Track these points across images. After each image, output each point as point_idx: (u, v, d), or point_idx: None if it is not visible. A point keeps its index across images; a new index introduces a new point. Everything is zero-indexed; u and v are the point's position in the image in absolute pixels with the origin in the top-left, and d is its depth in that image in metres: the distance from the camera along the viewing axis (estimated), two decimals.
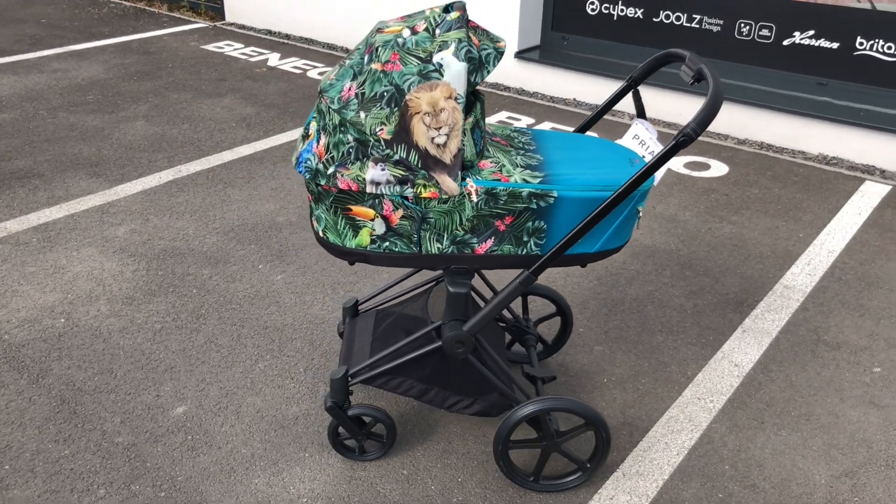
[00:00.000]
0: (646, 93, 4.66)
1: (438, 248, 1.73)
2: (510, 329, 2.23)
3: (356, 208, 1.69)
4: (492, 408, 1.95)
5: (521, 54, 5.09)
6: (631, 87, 2.01)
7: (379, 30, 1.65)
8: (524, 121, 4.58)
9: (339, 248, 1.76)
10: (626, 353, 2.50)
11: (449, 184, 1.62)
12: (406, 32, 1.62)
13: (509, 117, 4.64)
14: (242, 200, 3.49)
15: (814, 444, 2.13)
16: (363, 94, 1.60)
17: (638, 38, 4.87)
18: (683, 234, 3.28)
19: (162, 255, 3.02)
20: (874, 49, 4.09)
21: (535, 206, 1.68)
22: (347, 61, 1.66)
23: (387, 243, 1.73)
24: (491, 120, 4.58)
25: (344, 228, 1.73)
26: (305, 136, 1.72)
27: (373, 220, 1.70)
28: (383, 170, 1.62)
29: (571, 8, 5.07)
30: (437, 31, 1.62)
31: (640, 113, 2.00)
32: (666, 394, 2.31)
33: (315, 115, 1.70)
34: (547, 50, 5.21)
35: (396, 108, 1.59)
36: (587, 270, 2.98)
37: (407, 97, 1.58)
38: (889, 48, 4.05)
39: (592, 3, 4.97)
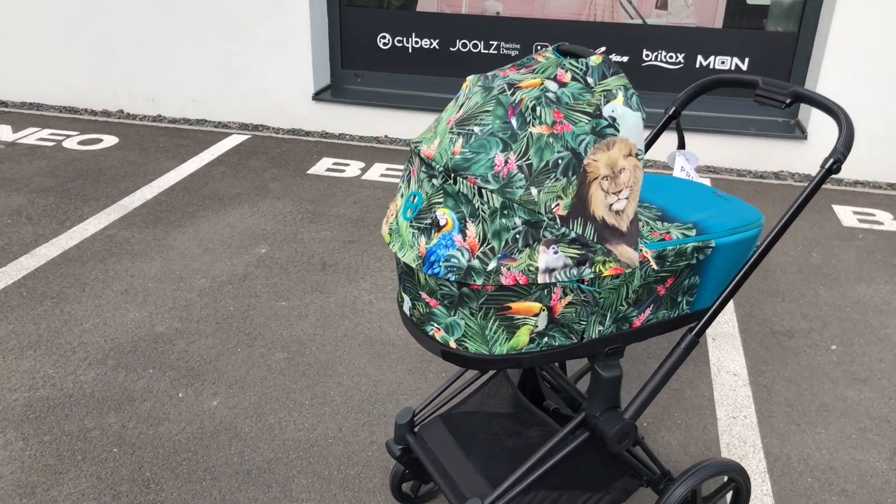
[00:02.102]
0: None
1: (599, 331, 1.46)
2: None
3: (518, 305, 1.36)
4: (624, 493, 1.72)
5: (318, 95, 4.76)
6: (674, 117, 1.91)
7: (510, 87, 1.33)
8: (354, 165, 4.28)
9: (481, 358, 1.40)
10: (637, 387, 2.40)
11: (628, 254, 1.37)
12: (552, 86, 1.34)
13: (336, 164, 4.30)
14: (92, 316, 2.73)
15: (851, 433, 2.24)
16: (530, 165, 1.28)
17: (436, 70, 4.83)
18: None
19: (32, 414, 2.23)
20: (659, 60, 4.53)
21: (694, 262, 1.50)
22: (476, 128, 1.31)
23: (546, 338, 1.42)
24: (318, 169, 4.20)
25: (495, 332, 1.38)
26: (427, 229, 1.33)
27: (537, 315, 1.38)
28: (556, 253, 1.32)
29: (362, 44, 4.87)
30: (589, 80, 1.36)
31: (682, 143, 1.92)
32: (705, 421, 2.26)
33: (440, 201, 1.33)
34: (340, 88, 4.94)
35: (574, 177, 1.30)
36: None
37: (585, 161, 1.30)
38: (671, 57, 4.51)
39: (384, 38, 4.82)
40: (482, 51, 4.71)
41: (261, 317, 2.75)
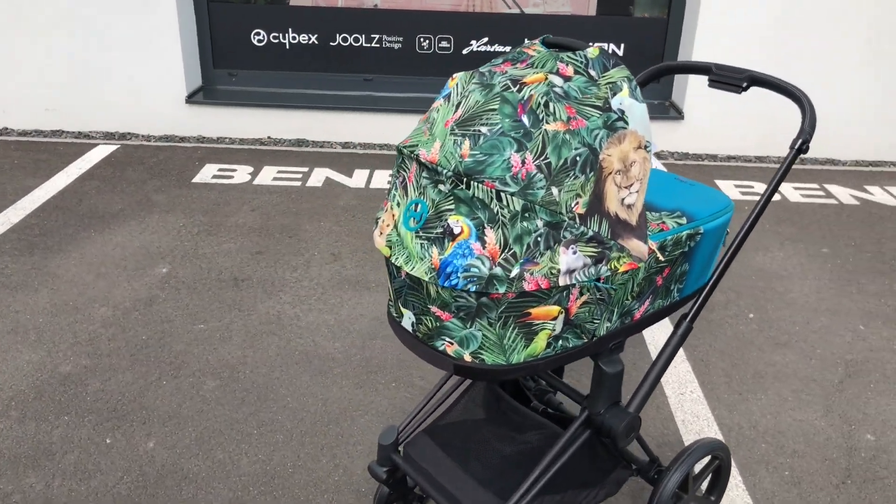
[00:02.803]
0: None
1: (607, 328, 1.43)
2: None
3: (537, 310, 1.30)
4: (617, 485, 1.71)
5: (191, 98, 4.45)
6: None
7: (514, 83, 1.26)
8: (241, 170, 4.03)
9: (498, 368, 1.33)
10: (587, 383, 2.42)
11: (639, 248, 1.35)
12: (557, 80, 1.28)
13: (222, 170, 4.04)
14: None
15: (787, 396, 2.37)
16: (549, 164, 1.22)
17: (316, 65, 4.65)
18: None
19: None
20: None
21: (686, 249, 1.51)
22: (484, 128, 1.23)
23: (560, 341, 1.37)
24: (204, 177, 3.93)
25: (514, 340, 1.31)
26: (438, 239, 1.24)
27: (555, 318, 1.32)
28: (575, 252, 1.27)
29: (235, 41, 4.60)
30: (592, 73, 1.31)
31: None
32: (657, 401, 2.32)
33: (450, 208, 1.24)
34: (213, 89, 4.65)
35: (592, 173, 1.25)
36: None
37: (600, 157, 1.25)
38: None
39: (259, 34, 4.58)
40: (364, 44, 4.59)
41: (180, 343, 2.52)
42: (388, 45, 4.59)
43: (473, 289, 1.24)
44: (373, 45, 4.59)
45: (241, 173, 4.01)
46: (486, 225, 1.23)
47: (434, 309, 1.32)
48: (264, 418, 2.19)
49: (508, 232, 1.22)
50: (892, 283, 3.07)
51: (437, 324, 1.33)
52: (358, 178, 4.00)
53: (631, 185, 1.31)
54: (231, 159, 4.20)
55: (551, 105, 1.24)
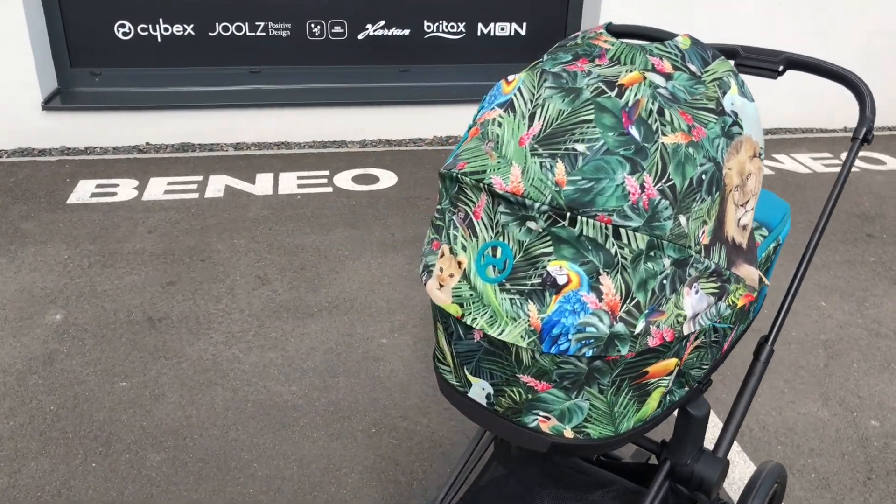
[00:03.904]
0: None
1: (706, 367, 1.21)
2: None
3: (655, 367, 1.05)
4: None
5: (48, 104, 3.83)
6: None
7: (610, 85, 0.99)
8: (125, 185, 3.50)
9: (604, 441, 1.07)
10: None
11: (752, 274, 1.12)
12: (657, 79, 1.02)
13: (101, 186, 3.48)
14: None
15: (782, 388, 2.28)
16: (673, 187, 0.96)
17: (194, 59, 4.14)
18: None
19: None
20: (440, 31, 4.33)
21: (771, 265, 1.31)
22: (580, 146, 0.95)
23: (668, 396, 1.13)
24: (80, 196, 3.37)
25: (626, 407, 1.06)
26: (536, 292, 0.96)
27: (671, 372, 1.08)
28: (698, 292, 1.03)
29: (95, 35, 3.99)
30: (692, 67, 1.06)
31: None
32: None
33: (548, 251, 0.96)
34: (72, 93, 4.03)
35: (717, 193, 1.01)
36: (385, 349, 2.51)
37: (724, 171, 1.02)
38: (452, 27, 4.33)
39: (123, 26, 4.00)
40: (248, 33, 4.12)
41: (101, 409, 2.08)
42: (275, 32, 4.15)
43: (589, 353, 0.97)
44: (258, 33, 4.13)
45: (126, 188, 3.48)
46: (600, 270, 0.96)
47: (526, 378, 1.04)
48: (232, 495, 1.81)
49: (630, 277, 0.96)
50: (833, 253, 3.09)
51: (529, 396, 1.05)
52: (263, 184, 3.58)
53: (747, 203, 1.09)
54: (108, 172, 3.64)
55: (666, 112, 0.99)
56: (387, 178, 3.69)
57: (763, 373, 1.37)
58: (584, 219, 0.95)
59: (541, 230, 0.97)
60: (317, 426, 2.04)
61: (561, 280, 0.96)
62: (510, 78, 1.09)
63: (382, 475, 1.88)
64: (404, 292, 2.69)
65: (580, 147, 0.97)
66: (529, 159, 0.98)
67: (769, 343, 1.37)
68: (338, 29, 4.21)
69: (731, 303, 1.09)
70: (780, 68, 1.48)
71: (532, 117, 1.02)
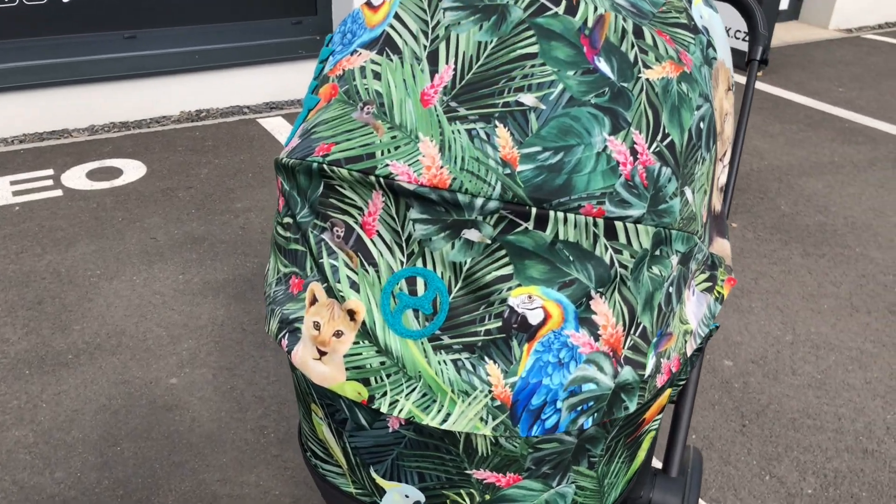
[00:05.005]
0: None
1: (682, 383, 0.92)
2: None
3: (653, 408, 0.72)
4: None
5: None
6: None
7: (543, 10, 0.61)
8: None
9: None
10: None
11: (725, 248, 0.83)
12: None
13: None
14: None
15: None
16: (672, 145, 0.62)
17: (46, 28, 3.09)
18: None
19: None
20: None
21: None
22: (529, 97, 0.57)
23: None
24: None
25: (617, 474, 0.73)
26: (496, 346, 0.59)
27: (664, 408, 0.76)
28: (695, 293, 0.71)
29: None
30: None
31: None
32: None
33: (507, 274, 0.58)
34: None
35: (714, 146, 0.69)
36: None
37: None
38: None
39: None
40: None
41: None
42: (30, 3, 3.21)
43: (589, 423, 0.61)
44: (7, 5, 3.17)
45: None
46: (591, 293, 0.60)
47: (482, 475, 0.66)
48: None
49: (633, 294, 0.62)
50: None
51: (487, 497, 0.67)
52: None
53: (724, 155, 0.78)
54: None
55: (646, 32, 0.64)
56: (132, 170, 3.02)
57: (697, 379, 1.12)
58: (559, 214, 0.58)
59: (488, 241, 0.59)
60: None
61: (534, 318, 0.59)
62: (375, 1, 0.67)
63: None
64: (186, 311, 2.15)
65: (528, 99, 0.60)
66: (448, 127, 0.59)
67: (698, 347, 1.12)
68: None
69: (717, 294, 0.79)
70: None
71: (434, 58, 0.62)
